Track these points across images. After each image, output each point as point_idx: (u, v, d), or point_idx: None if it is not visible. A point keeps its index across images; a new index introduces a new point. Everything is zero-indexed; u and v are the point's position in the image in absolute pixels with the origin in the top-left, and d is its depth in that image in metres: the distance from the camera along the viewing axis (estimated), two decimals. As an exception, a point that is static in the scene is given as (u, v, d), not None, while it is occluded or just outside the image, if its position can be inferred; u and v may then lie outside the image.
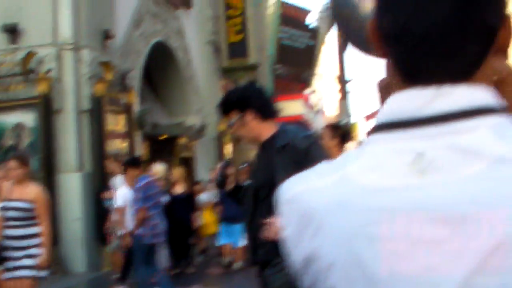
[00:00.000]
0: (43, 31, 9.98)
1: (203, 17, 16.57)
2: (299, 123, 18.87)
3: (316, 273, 0.79)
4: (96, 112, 10.23)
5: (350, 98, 19.92)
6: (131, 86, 11.51)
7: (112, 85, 10.62)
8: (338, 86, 17.20)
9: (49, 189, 8.25)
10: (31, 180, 5.92)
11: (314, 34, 23.66)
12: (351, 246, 0.74)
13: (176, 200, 9.74)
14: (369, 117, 22.55)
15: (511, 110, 0.76)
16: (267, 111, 3.31)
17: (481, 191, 0.69)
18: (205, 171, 13.86)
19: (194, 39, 15.75)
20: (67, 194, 9.77)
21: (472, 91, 0.74)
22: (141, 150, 11.99)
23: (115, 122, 10.88)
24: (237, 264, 9.88)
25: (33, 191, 5.72)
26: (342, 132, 5.46)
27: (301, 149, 3.08)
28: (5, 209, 5.67)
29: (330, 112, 30.10)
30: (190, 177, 12.95)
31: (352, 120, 19.99)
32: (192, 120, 15.22)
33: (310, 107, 23.02)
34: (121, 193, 8.07)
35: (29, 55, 9.72)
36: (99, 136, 10.26)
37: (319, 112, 24.41)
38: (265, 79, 19.91)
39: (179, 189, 10.12)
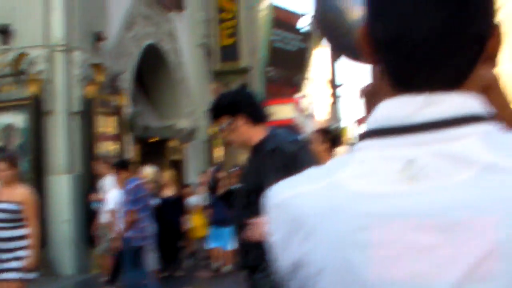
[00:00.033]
0: (34, 32, 9.94)
1: (195, 20, 16.55)
2: (290, 127, 18.90)
3: (304, 278, 0.79)
4: (87, 114, 10.20)
5: (341, 102, 19.95)
6: (122, 88, 11.49)
7: (103, 87, 10.60)
8: (329, 90, 17.25)
9: (39, 190, 8.21)
10: (20, 181, 5.89)
11: (306, 38, 23.71)
12: (342, 251, 0.74)
13: (166, 203, 9.71)
14: (360, 122, 22.59)
15: (498, 117, 0.76)
16: (258, 116, 3.31)
17: (471, 198, 0.69)
18: (195, 174, 13.84)
19: (186, 42, 15.73)
20: (56, 196, 9.73)
21: (462, 99, 0.75)
22: (131, 152, 11.96)
23: (106, 124, 10.85)
24: (226, 268, 9.87)
25: (21, 192, 5.68)
26: (332, 137, 5.47)
27: (289, 153, 3.08)
28: (-6, 210, 5.63)
29: (321, 116, 30.15)
30: (180, 180, 12.93)
31: (343, 124, 20.04)
32: (183, 123, 15.21)
33: (301, 111, 23.06)
34: (113, 195, 8.05)
35: (21, 56, 9.69)
36: (89, 138, 10.23)
37: (309, 116, 24.45)
38: (257, 83, 19.92)
39: (168, 192, 10.10)
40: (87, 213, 9.52)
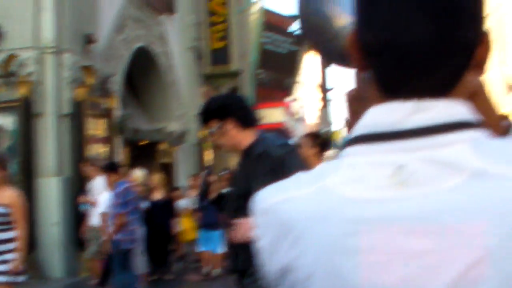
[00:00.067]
0: (24, 34, 9.89)
1: (186, 23, 16.53)
2: (280, 130, 18.92)
3: (293, 283, 0.79)
4: (76, 117, 10.16)
5: (332, 106, 20.01)
6: (112, 91, 11.45)
7: (93, 90, 10.56)
8: (320, 94, 17.28)
9: (28, 193, 8.17)
10: (9, 184, 5.85)
11: (297, 41, 23.75)
12: (332, 257, 0.74)
13: (155, 206, 9.69)
14: (345, 125, 22.63)
15: (484, 124, 0.77)
16: (247, 120, 3.31)
17: (461, 204, 0.70)
18: (185, 177, 13.81)
19: (177, 45, 15.71)
20: (45, 199, 9.68)
21: (451, 105, 0.75)
22: (121, 155, 11.92)
23: (96, 127, 10.81)
24: (216, 271, 9.85)
25: (9, 195, 5.63)
26: (321, 141, 5.47)
27: (276, 157, 3.07)
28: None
29: (311, 120, 30.20)
30: (169, 183, 12.91)
31: (333, 128, 20.07)
32: (173, 126, 15.18)
33: (292, 114, 23.09)
34: (104, 198, 8.02)
35: (10, 57, 9.63)
36: (79, 140, 10.19)
37: (300, 120, 24.48)
38: (247, 86, 19.92)
39: (158, 195, 10.07)
40: (76, 216, 9.48)
